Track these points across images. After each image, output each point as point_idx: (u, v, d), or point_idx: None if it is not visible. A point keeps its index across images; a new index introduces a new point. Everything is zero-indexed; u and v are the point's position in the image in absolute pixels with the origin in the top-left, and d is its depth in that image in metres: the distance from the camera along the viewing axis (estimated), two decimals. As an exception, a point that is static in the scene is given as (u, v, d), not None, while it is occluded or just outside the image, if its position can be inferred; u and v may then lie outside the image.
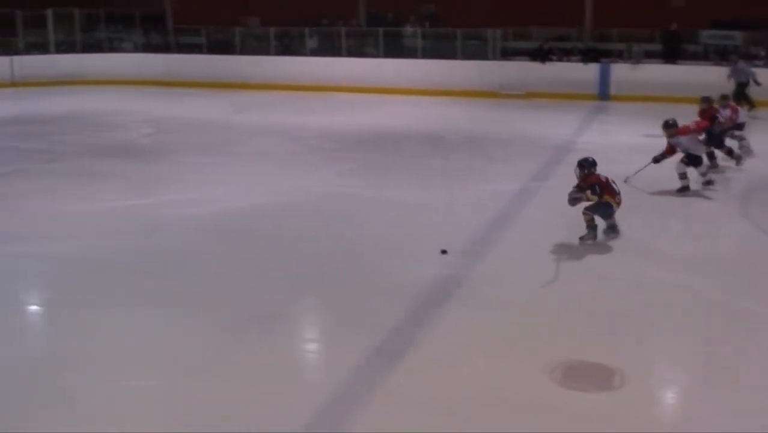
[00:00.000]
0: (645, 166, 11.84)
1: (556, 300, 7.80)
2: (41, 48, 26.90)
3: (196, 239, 9.73)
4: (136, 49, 27.26)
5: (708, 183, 11.89)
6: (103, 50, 26.86)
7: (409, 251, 9.26)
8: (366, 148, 15.58)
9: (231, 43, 26.03)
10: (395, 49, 24.71)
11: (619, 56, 23.36)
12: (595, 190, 9.26)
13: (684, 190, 11.59)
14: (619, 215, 9.54)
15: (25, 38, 26.94)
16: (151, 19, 27.73)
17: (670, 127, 11.67)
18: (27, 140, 16.66)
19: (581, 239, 9.40)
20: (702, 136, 11.99)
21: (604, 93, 22.07)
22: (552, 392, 5.97)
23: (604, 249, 9.33)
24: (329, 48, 25.32)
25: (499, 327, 7.13)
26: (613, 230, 9.56)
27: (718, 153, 13.06)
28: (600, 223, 9.49)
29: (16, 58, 25.96)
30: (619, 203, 9.48)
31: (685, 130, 11.67)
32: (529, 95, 22.50)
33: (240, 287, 8.22)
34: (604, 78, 22.21)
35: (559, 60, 23.20)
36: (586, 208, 9.38)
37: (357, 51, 25.24)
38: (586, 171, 9.38)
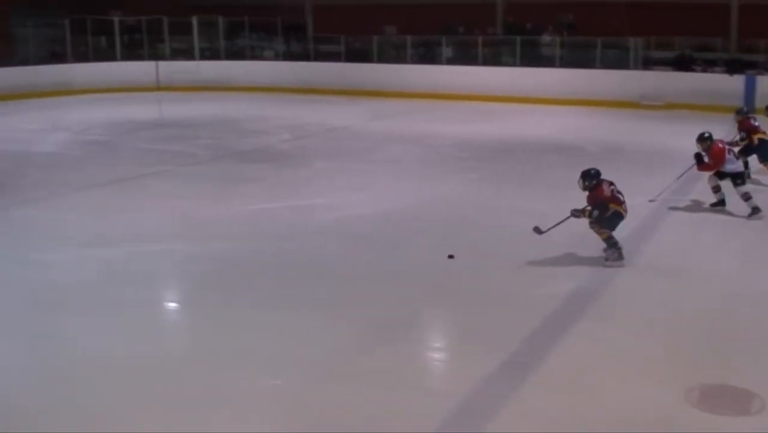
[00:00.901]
0: (689, 168, 11.53)
1: (692, 319, 7.56)
2: (186, 54, 27.95)
3: (329, 244, 9.90)
4: (277, 57, 27.97)
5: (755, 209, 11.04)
6: (245, 57, 27.66)
7: (542, 263, 9.15)
8: (500, 158, 15.50)
9: (368, 52, 26.36)
10: (532, 58, 24.49)
11: (766, 68, 22.43)
12: (593, 215, 8.76)
13: (719, 204, 11.17)
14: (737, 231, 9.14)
15: (171, 44, 28.05)
16: (292, 28, 28.40)
17: (704, 141, 11.10)
18: (171, 143, 17.34)
19: (607, 261, 8.96)
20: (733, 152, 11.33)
21: (749, 106, 21.19)
22: (688, 413, 5.79)
23: (732, 266, 9.00)
24: (465, 57, 25.31)
25: (634, 345, 6.96)
26: (614, 247, 8.98)
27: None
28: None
29: (162, 64, 27.06)
30: (625, 210, 8.94)
31: (723, 149, 11.04)
32: (670, 106, 21.88)
33: (371, 293, 8.31)
34: (750, 90, 21.36)
35: (703, 71, 22.45)
36: (592, 222, 8.88)
37: (493, 60, 25.14)
38: (587, 183, 8.87)
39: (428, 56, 26.19)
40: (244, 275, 8.93)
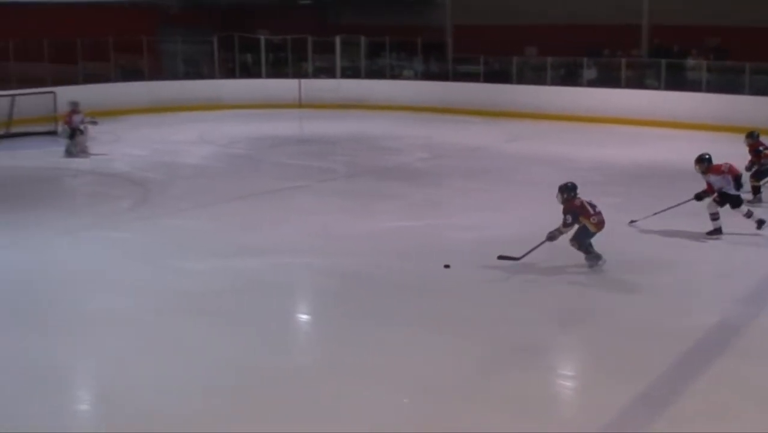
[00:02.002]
0: (686, 202, 11.41)
1: None
2: (328, 73, 28.50)
3: (463, 264, 9.86)
4: (416, 76, 28.16)
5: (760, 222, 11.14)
6: (385, 77, 27.97)
7: (681, 294, 8.86)
8: (638, 183, 15.10)
9: (508, 73, 26.21)
10: (677, 81, 23.79)
11: None
12: (567, 221, 9.48)
13: (716, 232, 11.00)
14: None
15: (313, 63, 28.68)
16: (432, 48, 28.56)
17: (701, 162, 11.12)
18: (310, 158, 17.70)
19: (590, 267, 9.57)
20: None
21: None
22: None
23: None
24: (608, 79, 24.83)
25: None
26: (590, 252, 9.59)
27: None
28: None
29: (305, 81, 27.68)
30: (596, 224, 9.51)
31: (718, 170, 11.03)
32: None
33: (503, 316, 8.24)
34: None
35: None
36: (571, 239, 9.60)
37: (637, 83, 24.57)
38: (565, 196, 9.63)
39: (569, 78, 25.85)
40: (376, 291, 9.02)
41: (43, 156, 17.69)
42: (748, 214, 11.10)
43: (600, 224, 9.58)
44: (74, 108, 17.93)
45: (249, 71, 28.63)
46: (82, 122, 17.82)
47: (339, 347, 7.50)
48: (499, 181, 15.12)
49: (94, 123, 18.29)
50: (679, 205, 11.56)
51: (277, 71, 28.37)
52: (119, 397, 6.53)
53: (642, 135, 21.38)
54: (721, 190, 11.02)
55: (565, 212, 9.60)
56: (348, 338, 7.69)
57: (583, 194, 9.69)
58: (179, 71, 27.91)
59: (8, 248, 10.82)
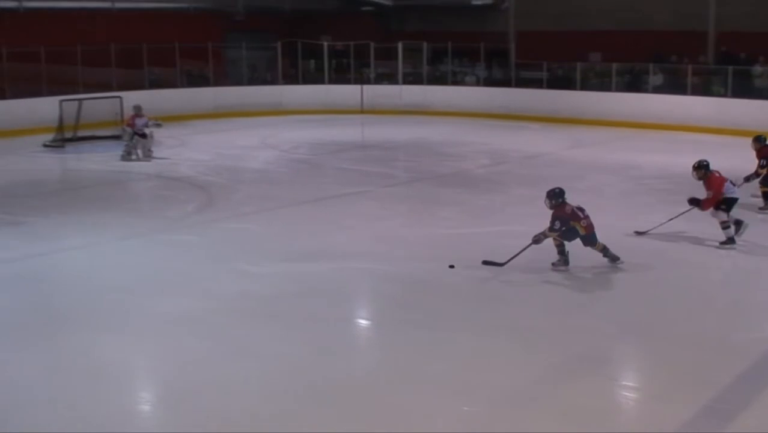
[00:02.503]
0: (687, 211, 11.29)
1: None
2: (390, 79, 28.60)
3: (525, 271, 9.83)
4: (479, 82, 28.12)
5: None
6: (447, 83, 27.99)
7: (748, 308, 8.72)
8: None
9: (571, 79, 26.02)
10: (744, 89, 23.37)
11: None
12: (554, 227, 9.74)
13: (730, 242, 10.82)
14: None
15: (376, 69, 28.80)
16: (494, 54, 28.48)
17: (698, 169, 11.13)
18: (372, 164, 17.79)
19: (553, 264, 9.88)
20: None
21: None
22: None
23: None
24: (673, 85, 24.49)
25: None
26: (562, 255, 9.93)
27: None
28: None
29: (367, 87, 27.82)
30: (585, 228, 9.78)
31: (712, 184, 10.90)
32: None
33: (567, 324, 8.21)
34: None
35: None
36: (558, 236, 9.82)
37: (703, 89, 24.19)
38: (553, 201, 9.88)
39: (634, 84, 25.55)
40: (436, 297, 9.06)
41: (110, 160, 18.09)
42: (724, 225, 10.93)
43: (589, 228, 9.85)
44: (137, 112, 18.31)
45: (312, 77, 28.88)
46: (146, 125, 18.20)
47: (400, 353, 7.55)
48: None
49: (159, 126, 18.66)
50: (682, 214, 11.40)
51: (340, 77, 28.57)
52: (184, 398, 6.67)
53: (708, 143, 21.01)
54: (723, 195, 10.89)
55: (554, 218, 9.80)
56: (409, 344, 7.74)
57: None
58: (243, 77, 28.27)
59: (79, 249, 11.11)
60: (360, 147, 21.56)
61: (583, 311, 8.61)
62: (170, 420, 6.42)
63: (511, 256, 9.84)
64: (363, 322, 8.85)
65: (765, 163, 12.99)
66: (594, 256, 9.94)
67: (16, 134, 21.34)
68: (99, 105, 20.62)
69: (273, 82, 28.47)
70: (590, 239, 9.90)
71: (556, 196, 9.94)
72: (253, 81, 28.43)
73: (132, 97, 20.71)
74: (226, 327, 8.16)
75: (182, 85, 26.45)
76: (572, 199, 10.01)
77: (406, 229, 12.00)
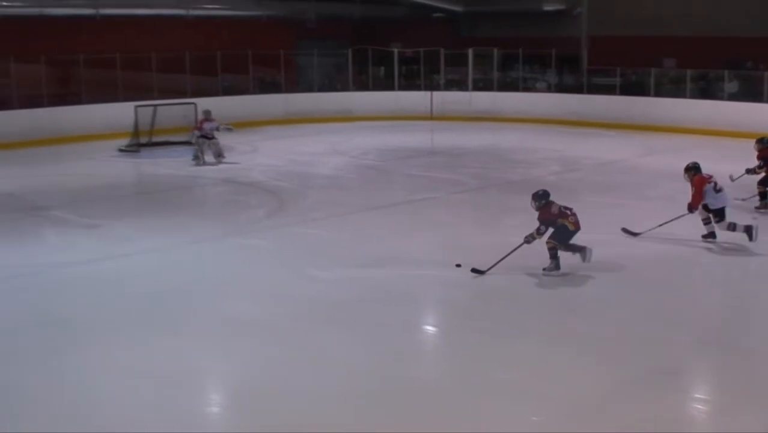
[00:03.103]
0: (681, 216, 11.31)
1: None
2: (460, 85, 28.58)
3: (598, 281, 9.78)
4: (550, 88, 27.92)
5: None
6: (517, 89, 27.84)
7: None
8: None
9: (644, 85, 25.67)
10: (826, 96, 22.79)
11: None
12: (540, 230, 9.84)
13: (711, 236, 11.14)
14: None
15: (445, 75, 28.81)
16: (566, 60, 28.24)
17: (688, 171, 11.36)
18: (441, 170, 17.81)
19: (544, 270, 9.90)
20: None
21: None
22: None
23: None
24: (749, 93, 23.99)
25: None
26: (575, 250, 9.97)
27: None
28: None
29: (436, 94, 27.84)
30: (574, 223, 9.89)
31: (696, 183, 11.11)
32: None
33: (640, 336, 8.12)
34: None
35: None
36: (548, 240, 9.90)
37: (781, 97, 23.64)
38: (539, 203, 9.95)
39: (708, 91, 25.09)
40: (507, 305, 9.05)
41: (184, 165, 18.43)
42: (732, 227, 11.05)
43: (577, 223, 9.99)
44: (207, 116, 18.69)
45: (382, 84, 29.03)
46: (217, 129, 18.53)
47: (469, 361, 7.56)
48: (633, 197, 14.83)
49: (230, 130, 18.98)
50: (676, 219, 11.45)
51: (409, 84, 28.66)
52: (252, 404, 6.78)
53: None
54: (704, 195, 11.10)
55: (540, 220, 9.91)
56: (478, 352, 7.74)
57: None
58: (314, 84, 28.55)
59: (153, 252, 11.37)
60: (429, 153, 21.59)
61: (654, 322, 8.49)
62: (237, 426, 6.53)
63: (498, 260, 9.99)
64: (431, 328, 8.88)
65: (762, 164, 13.39)
66: (669, 267, 9.78)
67: (92, 139, 21.89)
68: (173, 111, 21.04)
69: (343, 88, 28.70)
70: (572, 235, 10.03)
71: (539, 198, 10.03)
72: (323, 88, 28.69)
73: (205, 104, 21.08)
74: (295, 332, 8.27)
75: (254, 92, 26.81)
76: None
77: (474, 236, 12.00)
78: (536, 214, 10.12)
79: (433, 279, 10.05)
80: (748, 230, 10.96)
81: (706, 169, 11.37)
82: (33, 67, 22.64)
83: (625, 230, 11.74)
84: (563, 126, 25.07)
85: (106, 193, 15.81)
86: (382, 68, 29.52)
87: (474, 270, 10.06)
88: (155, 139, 21.31)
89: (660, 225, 11.57)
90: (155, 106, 21.68)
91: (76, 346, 8.03)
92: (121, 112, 21.79)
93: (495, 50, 27.89)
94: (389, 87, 28.50)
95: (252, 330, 8.33)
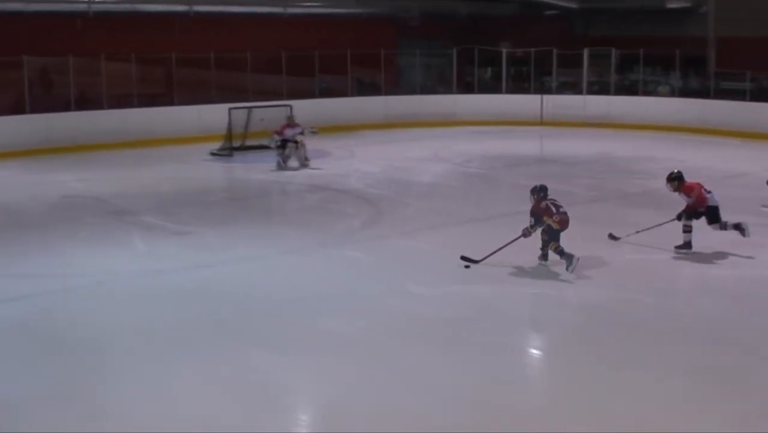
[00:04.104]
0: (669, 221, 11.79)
1: None
2: (573, 88, 28.24)
3: (722, 306, 9.51)
4: (672, 93, 27.32)
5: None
6: (636, 93, 27.34)
7: None
8: None
9: (778, 90, 24.93)
10: None
11: None
12: (531, 223, 10.80)
13: (686, 246, 11.53)
14: None
15: (558, 77, 28.51)
16: (691, 62, 27.61)
17: (671, 181, 11.79)
18: (550, 180, 17.34)
19: (567, 268, 10.58)
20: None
21: None
22: None
23: None
24: None
25: None
26: (543, 253, 10.97)
27: None
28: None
29: (547, 97, 27.57)
30: (558, 222, 10.70)
31: (690, 189, 11.58)
32: None
33: (764, 369, 7.83)
34: None
35: None
36: (542, 232, 10.80)
37: None
38: (535, 197, 10.95)
39: None
40: (618, 328, 8.88)
41: (279, 170, 18.67)
42: (724, 227, 11.60)
43: (563, 223, 10.78)
44: (290, 121, 19.01)
45: (488, 86, 28.89)
46: (301, 133, 18.80)
47: (576, 388, 7.42)
48: (763, 214, 14.34)
49: (315, 133, 19.25)
50: (661, 224, 11.89)
51: (518, 86, 28.47)
52: (346, 423, 6.78)
53: None
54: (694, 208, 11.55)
55: (530, 214, 10.90)
56: (587, 379, 7.59)
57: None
58: (416, 85, 28.60)
59: (244, 261, 11.53)
60: (538, 162, 21.37)
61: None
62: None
63: (495, 250, 10.87)
64: (537, 352, 8.74)
65: None
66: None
67: (184, 142, 22.42)
68: (268, 113, 21.30)
69: (446, 91, 28.67)
70: (558, 234, 10.80)
71: (537, 192, 11.02)
72: (426, 90, 28.72)
73: (302, 106, 21.37)
74: (390, 351, 8.25)
75: (352, 94, 27.03)
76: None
77: (586, 252, 11.76)
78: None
79: (541, 298, 9.93)
80: (739, 227, 11.55)
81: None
82: (123, 66, 23.34)
83: (611, 236, 12.25)
84: (687, 134, 24.48)
85: (196, 199, 16.13)
86: (489, 69, 29.40)
87: (464, 258, 10.88)
88: (249, 143, 21.65)
89: (641, 230, 12.06)
90: (249, 108, 22.04)
91: (161, 357, 8.18)
92: (214, 114, 22.23)
93: (612, 50, 27.46)
94: (496, 90, 28.36)
95: (345, 347, 8.35)
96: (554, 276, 10.63)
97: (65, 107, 22.33)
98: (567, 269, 10.58)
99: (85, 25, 23.57)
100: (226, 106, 21.96)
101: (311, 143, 19.64)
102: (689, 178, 11.88)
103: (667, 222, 11.87)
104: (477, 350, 8.25)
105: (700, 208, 11.60)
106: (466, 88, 28.83)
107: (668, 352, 8.24)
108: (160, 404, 7.20)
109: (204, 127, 22.82)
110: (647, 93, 27.53)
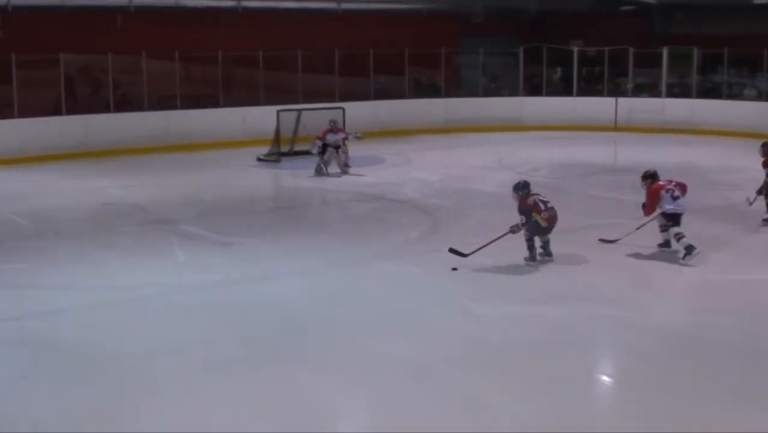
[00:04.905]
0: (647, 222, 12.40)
1: None
2: (651, 90, 27.93)
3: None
4: (760, 96, 26.88)
5: None
6: (720, 96, 26.96)
7: None
8: None
9: None
10: None
11: None
12: (522, 221, 11.50)
13: (666, 245, 12.30)
14: None
15: (634, 79, 28.22)
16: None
17: (645, 179, 12.55)
18: (625, 191, 17.25)
19: (525, 259, 11.73)
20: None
21: None
22: None
23: None
24: None
25: None
26: (546, 251, 11.86)
27: None
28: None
29: (622, 100, 27.31)
30: (546, 219, 11.57)
31: (660, 187, 12.19)
32: None
33: None
34: None
35: None
36: (525, 230, 11.60)
37: None
38: (519, 194, 11.72)
39: None
40: (702, 357, 8.70)
41: (329, 177, 18.70)
42: (678, 237, 11.93)
43: (551, 219, 11.61)
44: (332, 126, 19.13)
45: (557, 88, 28.70)
46: (345, 139, 18.95)
47: (656, 425, 7.24)
48: None
49: (359, 139, 19.33)
50: (642, 226, 12.46)
51: (590, 88, 28.26)
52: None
53: None
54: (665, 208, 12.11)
55: (519, 211, 11.59)
56: (667, 414, 7.39)
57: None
58: (479, 87, 28.50)
59: (292, 275, 11.52)
60: (612, 171, 21.11)
61: None
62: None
63: (481, 245, 11.63)
64: (612, 381, 8.56)
65: None
66: None
67: (229, 146, 22.58)
68: (319, 116, 21.36)
69: (512, 93, 28.54)
70: (547, 231, 11.68)
71: (520, 189, 11.76)
72: (489, 92, 28.62)
73: (355, 109, 21.39)
74: (450, 378, 8.14)
75: (410, 96, 27.02)
76: None
77: (664, 270, 11.63)
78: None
79: (617, 321, 9.74)
80: (689, 249, 11.75)
81: None
82: (166, 64, 23.56)
83: (602, 240, 12.81)
84: (777, 141, 24.01)
85: (241, 207, 16.19)
86: (559, 70, 29.25)
87: (452, 251, 11.65)
88: (298, 147, 21.70)
89: (625, 235, 12.62)
90: (299, 110, 22.11)
91: (202, 377, 8.17)
92: (262, 117, 22.35)
93: (694, 50, 27.13)
94: (566, 92, 28.22)
95: (400, 373, 8.25)
96: (628, 296, 10.47)
97: (104, 108, 22.63)
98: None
99: (125, 20, 23.85)
100: (274, 108, 22.06)
101: (365, 149, 19.63)
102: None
103: (646, 222, 12.48)
104: (543, 377, 8.10)
105: (654, 207, 12.27)
106: (534, 90, 28.68)
107: (758, 383, 8.03)
108: (198, 427, 7.17)
109: (251, 130, 22.96)
110: (732, 96, 27.14)
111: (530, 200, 11.64)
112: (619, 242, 12.62)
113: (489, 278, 11.36)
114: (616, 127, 26.88)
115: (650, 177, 12.47)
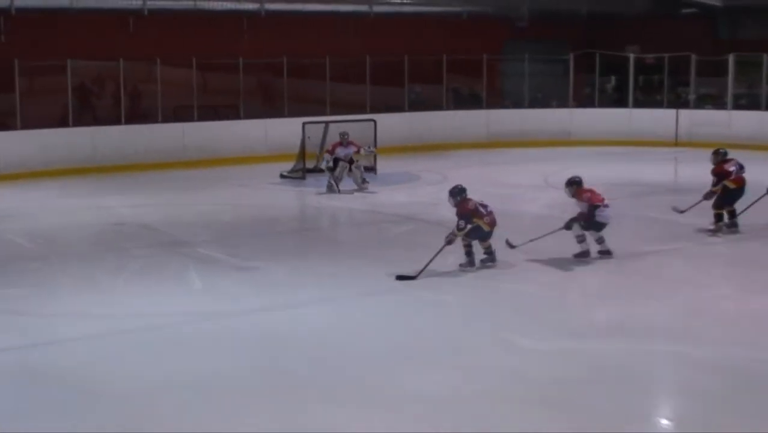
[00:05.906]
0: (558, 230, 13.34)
1: None
2: (716, 102, 27.82)
3: None
4: (838, 108, 26.76)
5: None
6: (790, 107, 26.88)
7: None
8: None
9: None
10: None
11: None
12: (460, 226, 12.26)
13: (584, 255, 13.28)
14: None
15: (697, 89, 28.11)
16: None
17: (570, 185, 13.50)
18: (687, 213, 17.26)
19: (461, 265, 12.65)
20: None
21: None
22: None
23: None
24: None
25: None
26: (490, 256, 12.85)
27: None
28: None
29: (684, 112, 27.22)
30: (488, 224, 12.54)
31: (581, 195, 13.28)
32: None
33: None
34: None
35: None
36: (464, 236, 12.40)
37: None
38: (457, 199, 12.50)
39: None
40: (759, 395, 8.59)
41: (358, 196, 18.75)
42: (599, 240, 13.28)
43: (492, 223, 12.56)
44: (342, 139, 19.27)
45: (611, 99, 28.65)
46: (357, 152, 19.27)
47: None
48: None
49: (371, 152, 19.46)
50: (552, 233, 13.39)
51: (648, 99, 28.18)
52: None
53: None
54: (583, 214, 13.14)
55: (458, 216, 12.31)
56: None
57: None
58: (524, 97, 28.49)
59: (317, 304, 11.57)
60: (672, 190, 21.01)
61: None
62: None
63: (425, 264, 12.26)
64: (668, 424, 8.52)
65: (717, 181, 15.25)
66: None
67: (250, 161, 22.72)
68: (349, 129, 21.45)
69: (560, 104, 28.53)
70: (489, 235, 12.57)
71: (456, 194, 12.55)
72: (535, 103, 28.60)
73: (387, 120, 21.44)
74: (490, 416, 8.13)
75: (448, 107, 27.07)
76: None
77: (730, 301, 11.55)
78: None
79: (674, 357, 9.69)
80: (605, 253, 13.29)
81: None
82: (182, 72, 23.73)
83: (507, 243, 13.33)
84: None
85: (262, 229, 16.27)
86: (613, 78, 29.23)
87: (400, 277, 12.21)
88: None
89: (534, 238, 13.41)
90: (327, 123, 22.17)
91: (216, 415, 8.19)
92: (286, 130, 22.46)
93: (764, 57, 27.02)
94: (621, 103, 28.16)
95: (436, 410, 8.25)
96: (688, 330, 10.40)
97: (114, 120, 22.84)
98: (461, 265, 12.68)
99: (138, 24, 24.07)
100: (300, 120, 22.13)
101: (398, 165, 19.67)
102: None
103: (557, 230, 13.37)
104: (593, 420, 8.06)
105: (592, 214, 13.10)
106: (585, 101, 28.63)
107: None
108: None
109: (273, 144, 23.08)
110: (803, 108, 27.01)
111: (470, 204, 12.45)
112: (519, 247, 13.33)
113: (532, 308, 11.36)
114: (676, 142, 26.82)
115: (575, 183, 13.41)
